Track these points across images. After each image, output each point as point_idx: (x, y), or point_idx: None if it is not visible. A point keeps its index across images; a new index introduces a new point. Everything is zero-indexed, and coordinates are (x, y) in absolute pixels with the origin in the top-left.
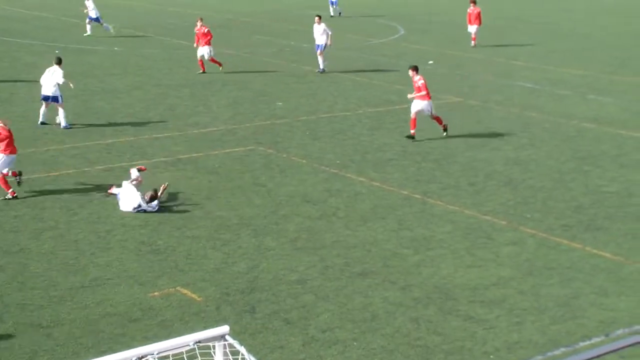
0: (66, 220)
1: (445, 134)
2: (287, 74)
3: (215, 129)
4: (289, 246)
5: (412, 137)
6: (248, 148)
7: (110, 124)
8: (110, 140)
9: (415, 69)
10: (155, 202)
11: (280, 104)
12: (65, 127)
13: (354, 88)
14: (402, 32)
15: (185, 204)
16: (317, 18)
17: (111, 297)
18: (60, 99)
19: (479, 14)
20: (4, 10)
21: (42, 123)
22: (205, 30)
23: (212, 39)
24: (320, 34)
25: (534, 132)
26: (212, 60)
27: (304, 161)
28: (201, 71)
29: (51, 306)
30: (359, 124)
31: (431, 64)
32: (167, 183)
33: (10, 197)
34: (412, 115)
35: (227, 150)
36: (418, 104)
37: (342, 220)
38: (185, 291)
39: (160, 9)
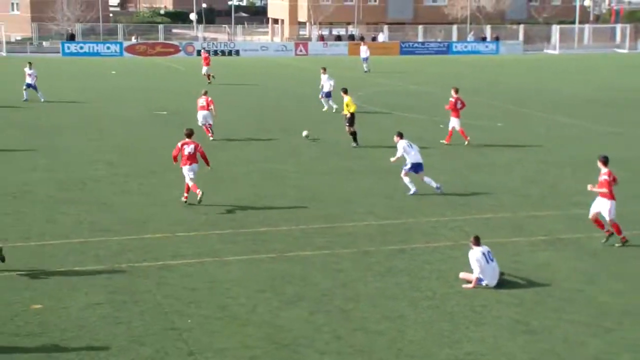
0: (443, 292)
1: (623, 237)
2: None
3: None
4: None
5: (608, 237)
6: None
7: (489, 198)
8: (488, 215)
9: (605, 160)
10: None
11: None
12: (438, 189)
13: None
14: None
15: (564, 286)
16: None
17: None
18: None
19: None
20: (397, 86)
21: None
22: (454, 100)
23: (463, 109)
24: None
25: None
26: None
27: None
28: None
29: None
30: None
31: None
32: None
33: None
34: (591, 215)
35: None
36: (600, 204)
37: None
38: None
39: (541, 87)
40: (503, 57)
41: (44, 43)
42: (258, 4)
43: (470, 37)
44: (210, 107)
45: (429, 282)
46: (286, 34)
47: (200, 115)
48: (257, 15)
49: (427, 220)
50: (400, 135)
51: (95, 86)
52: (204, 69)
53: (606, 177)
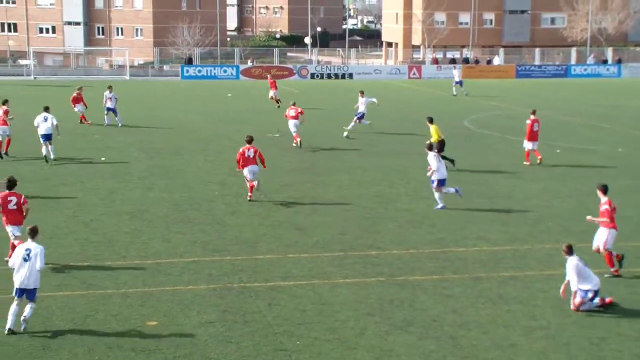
0: (558, 322)
1: (614, 269)
2: None
3: None
4: None
5: (617, 275)
6: None
7: None
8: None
9: (604, 189)
10: None
11: None
12: (457, 191)
13: None
14: None
15: None
16: None
17: None
18: None
19: None
20: (512, 109)
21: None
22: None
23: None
24: None
25: None
26: None
27: None
28: None
29: None
30: None
31: None
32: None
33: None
34: (596, 247)
35: None
36: (600, 234)
37: None
38: None
39: None
40: (626, 81)
41: (165, 67)
42: (372, 27)
43: (590, 60)
44: (299, 116)
45: (543, 310)
46: (400, 57)
47: (292, 123)
48: (371, 38)
49: (542, 247)
50: (430, 147)
51: (212, 109)
52: (271, 93)
53: (607, 206)
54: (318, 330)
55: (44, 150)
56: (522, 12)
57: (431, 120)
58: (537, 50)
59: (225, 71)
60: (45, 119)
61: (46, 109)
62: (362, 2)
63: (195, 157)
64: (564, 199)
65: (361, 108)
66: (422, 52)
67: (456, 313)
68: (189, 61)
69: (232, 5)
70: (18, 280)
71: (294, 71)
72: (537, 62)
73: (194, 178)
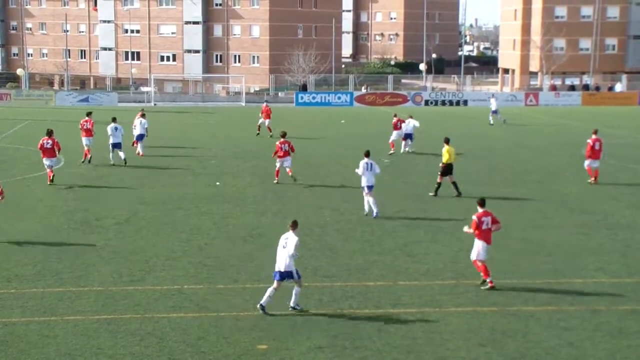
0: None
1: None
2: None
3: None
4: None
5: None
6: None
7: None
8: None
9: (480, 202)
10: None
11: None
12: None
13: None
14: None
15: None
16: None
17: None
18: None
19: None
20: (634, 138)
21: None
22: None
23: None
24: None
25: None
26: None
27: None
28: None
29: None
30: None
31: None
32: None
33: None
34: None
35: None
36: (475, 246)
37: None
38: None
39: None
40: None
41: (280, 93)
42: (488, 54)
43: None
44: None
45: None
46: (516, 84)
47: (394, 134)
48: (487, 65)
49: None
50: (366, 154)
51: (325, 134)
52: (267, 122)
53: (474, 218)
54: (428, 359)
55: (112, 157)
56: None
57: (447, 141)
58: None
59: (339, 98)
60: (116, 129)
61: (114, 120)
62: (479, 29)
63: (306, 181)
64: None
65: (408, 130)
66: (540, 78)
67: (572, 346)
68: (304, 88)
69: (348, 33)
70: (277, 265)
71: (408, 98)
72: None
73: (307, 203)
